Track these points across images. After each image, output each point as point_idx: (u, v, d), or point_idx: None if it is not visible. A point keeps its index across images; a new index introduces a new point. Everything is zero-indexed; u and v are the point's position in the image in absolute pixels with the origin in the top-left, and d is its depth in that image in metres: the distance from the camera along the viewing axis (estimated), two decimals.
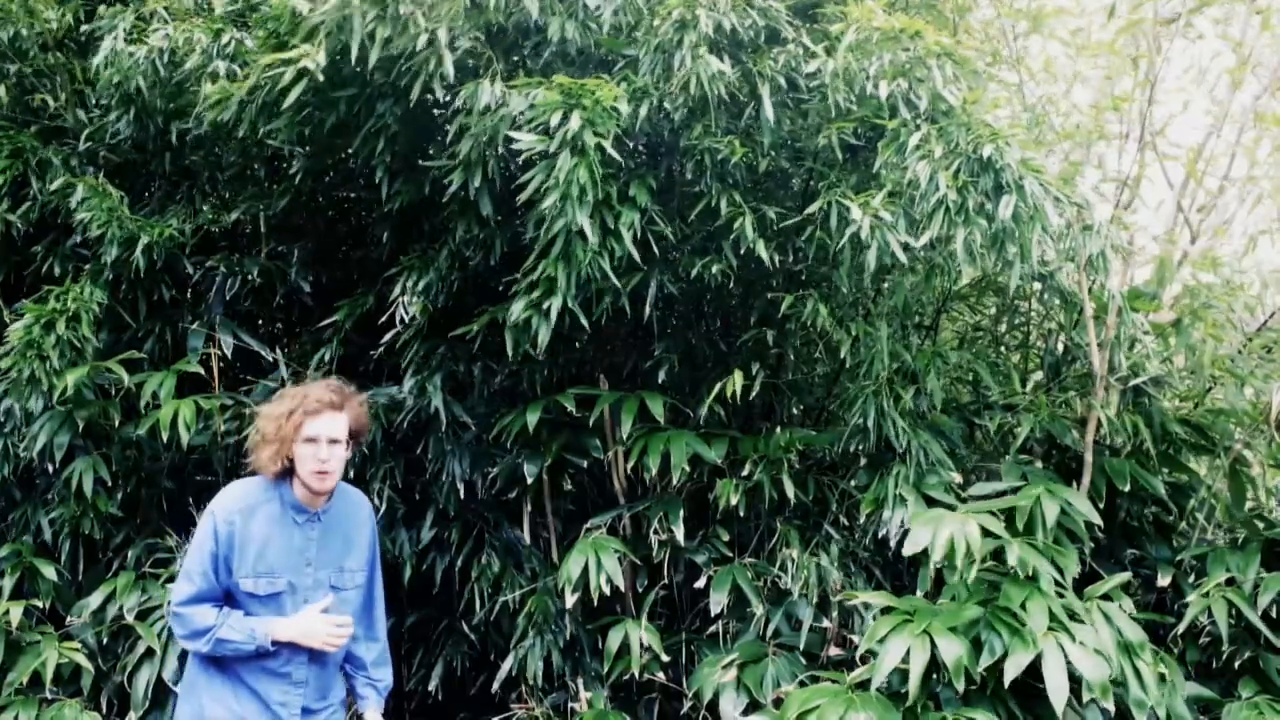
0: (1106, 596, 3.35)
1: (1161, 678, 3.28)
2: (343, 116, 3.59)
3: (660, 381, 3.78)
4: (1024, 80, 3.97)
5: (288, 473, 2.85)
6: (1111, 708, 3.06)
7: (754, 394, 3.68)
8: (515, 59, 3.53)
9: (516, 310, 3.32)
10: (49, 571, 3.82)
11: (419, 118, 3.55)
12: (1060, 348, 4.11)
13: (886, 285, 3.81)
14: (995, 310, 4.30)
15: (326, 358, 3.99)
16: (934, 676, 3.18)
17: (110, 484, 3.88)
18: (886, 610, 3.33)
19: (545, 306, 3.25)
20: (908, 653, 3.10)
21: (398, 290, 3.75)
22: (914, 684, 3.08)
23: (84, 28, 4.12)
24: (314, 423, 2.78)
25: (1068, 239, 3.32)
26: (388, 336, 3.86)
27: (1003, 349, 4.42)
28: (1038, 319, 4.29)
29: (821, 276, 3.82)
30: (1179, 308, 3.86)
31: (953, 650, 3.09)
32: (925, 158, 3.08)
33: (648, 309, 3.59)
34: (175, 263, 4.14)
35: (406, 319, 3.75)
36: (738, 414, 4.01)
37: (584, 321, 3.37)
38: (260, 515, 2.82)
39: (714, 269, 3.50)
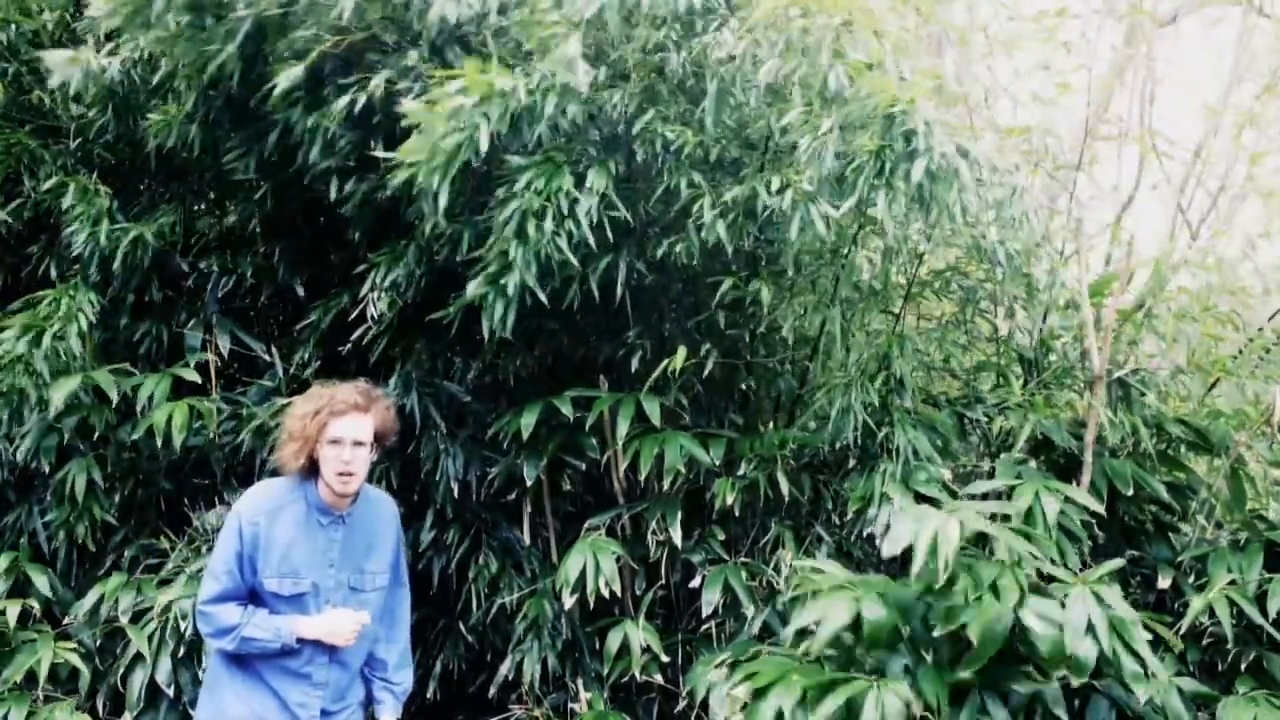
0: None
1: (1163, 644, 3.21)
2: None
3: (634, 370, 3.74)
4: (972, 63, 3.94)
5: (313, 474, 2.85)
6: (1075, 682, 3.00)
7: (708, 371, 3.66)
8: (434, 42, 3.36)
9: (472, 287, 3.24)
10: (41, 580, 3.81)
11: (363, 120, 3.44)
12: (1028, 339, 4.06)
13: (843, 268, 3.76)
14: (958, 299, 4.22)
15: (305, 358, 3.97)
16: (899, 647, 3.12)
17: (107, 485, 3.87)
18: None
19: (503, 283, 3.18)
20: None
21: (366, 287, 3.72)
22: (820, 639, 3.03)
23: (77, 26, 4.10)
24: (339, 424, 2.79)
25: (1009, 215, 3.29)
26: (357, 333, 3.83)
27: (971, 338, 4.35)
28: (1001, 301, 4.20)
29: (772, 257, 3.80)
30: (1173, 298, 3.82)
31: (875, 612, 3.02)
32: (811, 133, 3.08)
33: (619, 289, 3.54)
34: (168, 262, 4.13)
35: (375, 315, 3.73)
36: (716, 405, 3.98)
37: (542, 298, 3.26)
38: (285, 516, 2.83)
39: (679, 248, 3.46)
